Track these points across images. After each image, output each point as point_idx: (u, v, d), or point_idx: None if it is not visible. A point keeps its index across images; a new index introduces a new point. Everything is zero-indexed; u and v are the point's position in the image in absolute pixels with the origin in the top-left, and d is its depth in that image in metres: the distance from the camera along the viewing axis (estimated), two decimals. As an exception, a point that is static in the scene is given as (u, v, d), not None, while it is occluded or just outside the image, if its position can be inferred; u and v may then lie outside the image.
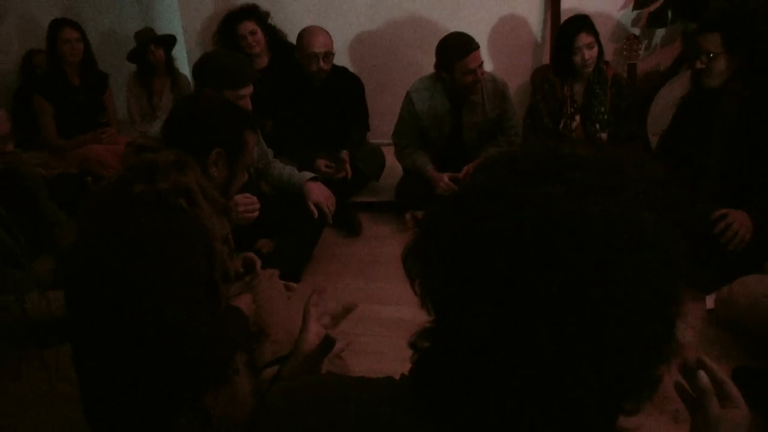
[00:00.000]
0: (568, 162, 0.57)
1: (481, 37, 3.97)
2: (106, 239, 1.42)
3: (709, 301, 2.33)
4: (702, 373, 0.83)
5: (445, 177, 3.16)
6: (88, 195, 1.67)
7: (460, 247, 0.56)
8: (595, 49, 3.09)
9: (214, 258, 1.49)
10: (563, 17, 3.75)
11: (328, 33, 3.41)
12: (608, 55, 3.67)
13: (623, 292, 0.51)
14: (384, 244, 3.18)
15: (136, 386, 1.51)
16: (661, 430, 1.79)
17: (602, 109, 3.21)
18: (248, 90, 2.59)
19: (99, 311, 1.43)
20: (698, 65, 2.52)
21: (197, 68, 2.66)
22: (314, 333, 1.08)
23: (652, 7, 3.72)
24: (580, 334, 0.51)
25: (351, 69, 3.88)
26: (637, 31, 3.87)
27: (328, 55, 3.39)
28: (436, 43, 3.19)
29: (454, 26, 3.94)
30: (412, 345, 0.63)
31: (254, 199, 2.32)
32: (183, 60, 4.46)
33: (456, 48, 3.08)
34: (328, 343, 1.01)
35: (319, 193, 2.87)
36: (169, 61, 4.20)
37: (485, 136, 3.33)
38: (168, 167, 1.46)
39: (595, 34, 3.10)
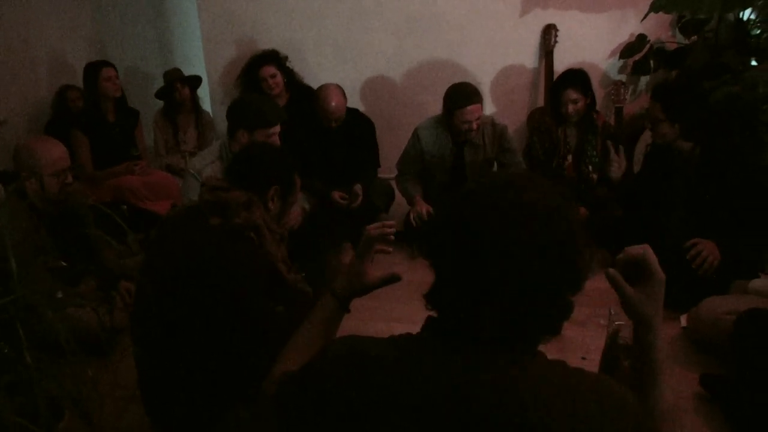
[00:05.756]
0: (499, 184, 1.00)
1: (482, 81, 4.36)
2: (191, 259, 1.78)
3: (683, 320, 2.66)
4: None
5: (425, 209, 3.53)
6: (164, 220, 2.00)
7: (449, 229, 0.97)
8: (581, 104, 3.46)
9: (279, 274, 1.89)
10: (555, 64, 4.15)
11: (342, 93, 3.74)
12: (597, 99, 4.03)
13: (526, 248, 0.91)
14: (393, 269, 3.46)
15: (198, 381, 1.82)
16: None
17: (594, 153, 3.57)
18: (277, 129, 2.95)
19: (180, 313, 1.78)
20: (647, 125, 2.91)
21: (232, 111, 2.99)
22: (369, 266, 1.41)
23: (637, 57, 4.10)
24: (515, 274, 0.91)
25: (363, 109, 4.24)
26: (623, 78, 4.25)
27: (340, 118, 3.75)
28: (442, 87, 3.53)
29: (458, 72, 4.35)
30: (425, 296, 1.02)
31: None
32: (206, 99, 4.80)
33: (457, 98, 3.43)
34: (393, 278, 1.40)
35: None
36: (194, 100, 4.55)
37: (486, 172, 3.68)
38: (239, 206, 1.83)
39: (583, 89, 3.46)
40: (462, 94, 3.43)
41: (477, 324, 0.94)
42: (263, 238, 1.87)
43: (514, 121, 4.42)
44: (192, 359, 1.82)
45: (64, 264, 1.87)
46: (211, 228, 1.80)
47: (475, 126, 3.44)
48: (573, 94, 3.44)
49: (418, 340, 1.02)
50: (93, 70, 4.10)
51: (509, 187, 0.97)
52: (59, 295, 1.51)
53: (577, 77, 3.47)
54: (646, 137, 3.98)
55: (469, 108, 3.39)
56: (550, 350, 0.98)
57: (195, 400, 1.86)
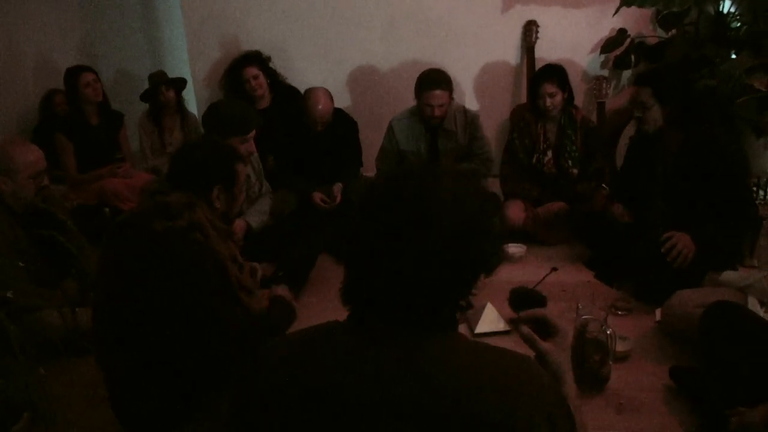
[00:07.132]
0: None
1: (465, 78, 4.38)
2: (142, 266, 1.79)
3: (658, 314, 2.65)
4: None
5: None
6: (109, 228, 1.99)
7: (362, 228, 0.99)
8: (558, 97, 3.46)
9: (226, 273, 1.88)
10: (537, 61, 4.15)
11: (329, 97, 3.75)
12: (579, 95, 4.03)
13: (431, 230, 0.93)
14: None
15: (161, 382, 1.83)
16: (606, 419, 2.10)
17: (574, 148, 3.58)
18: (252, 135, 2.95)
19: (135, 319, 1.78)
20: (636, 113, 2.90)
21: (206, 117, 2.99)
22: None
23: (618, 52, 4.10)
24: (424, 256, 0.93)
25: (346, 108, 4.24)
26: (605, 73, 4.24)
27: (327, 121, 3.77)
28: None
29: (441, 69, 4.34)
30: (342, 293, 1.02)
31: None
32: (192, 100, 4.81)
33: (424, 82, 3.49)
34: None
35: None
36: (180, 102, 4.55)
37: (460, 160, 3.71)
38: (181, 207, 1.83)
39: (560, 84, 3.46)
40: (429, 79, 3.49)
41: (398, 310, 0.96)
42: (208, 237, 1.86)
43: (497, 117, 4.43)
44: (150, 359, 1.82)
45: (21, 264, 1.86)
46: (155, 232, 1.79)
47: (437, 112, 3.49)
48: (550, 88, 3.45)
49: (342, 329, 1.02)
50: (72, 75, 4.12)
51: (421, 176, 1.00)
52: (9, 294, 1.51)
53: (554, 71, 3.49)
54: (628, 131, 3.98)
55: (434, 92, 3.44)
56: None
57: (159, 399, 1.85)
